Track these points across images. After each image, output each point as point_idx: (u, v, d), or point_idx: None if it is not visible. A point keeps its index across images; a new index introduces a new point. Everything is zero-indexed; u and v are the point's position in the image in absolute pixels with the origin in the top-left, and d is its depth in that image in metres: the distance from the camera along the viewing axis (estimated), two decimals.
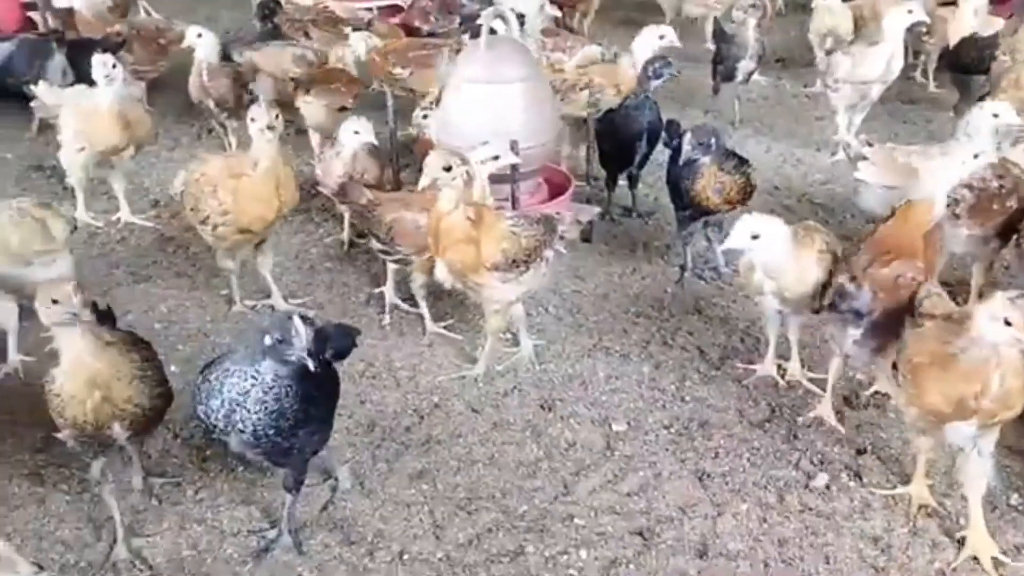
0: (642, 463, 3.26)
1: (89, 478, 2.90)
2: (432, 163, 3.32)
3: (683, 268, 4.29)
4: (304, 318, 2.54)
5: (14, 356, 3.67)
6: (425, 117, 4.77)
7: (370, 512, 3.06)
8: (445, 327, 4.00)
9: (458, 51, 5.46)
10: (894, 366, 2.84)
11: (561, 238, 3.60)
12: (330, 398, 2.86)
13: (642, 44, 4.71)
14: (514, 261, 3.41)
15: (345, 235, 4.71)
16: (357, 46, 5.44)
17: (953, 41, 5.64)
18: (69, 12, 6.07)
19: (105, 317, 2.99)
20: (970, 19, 5.62)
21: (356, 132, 4.27)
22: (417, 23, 7.22)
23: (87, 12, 6.05)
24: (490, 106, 3.83)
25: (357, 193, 3.75)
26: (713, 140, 3.92)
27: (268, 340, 2.50)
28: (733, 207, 4.00)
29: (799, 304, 3.36)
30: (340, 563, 2.88)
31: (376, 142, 4.39)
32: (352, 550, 2.92)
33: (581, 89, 4.62)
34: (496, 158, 3.40)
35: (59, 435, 2.79)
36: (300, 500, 2.95)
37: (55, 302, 2.57)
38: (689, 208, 4.05)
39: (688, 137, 3.92)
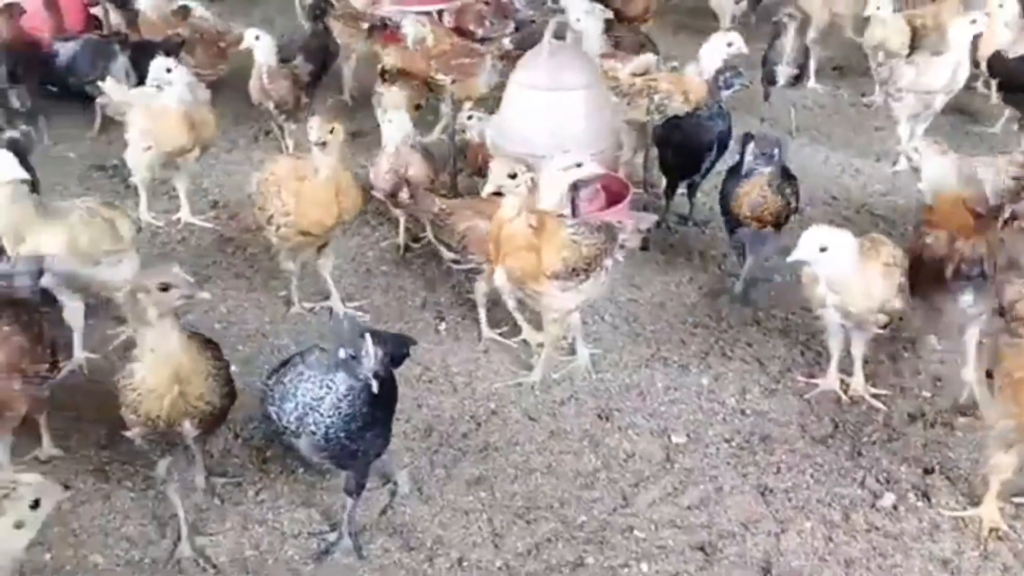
0: (703, 476, 3.22)
1: (155, 476, 2.94)
2: (497, 170, 3.31)
3: (747, 280, 4.23)
4: (374, 332, 2.57)
5: (80, 353, 3.73)
6: (470, 118, 4.78)
7: (429, 518, 3.07)
8: (500, 333, 3.98)
9: (502, 58, 5.50)
10: (988, 375, 2.78)
11: (621, 247, 3.58)
12: (391, 401, 2.87)
13: (710, 52, 4.65)
14: (574, 270, 3.39)
15: (401, 239, 4.73)
16: (408, 31, 5.45)
17: (985, 55, 5.52)
18: (135, 13, 6.17)
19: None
20: (1002, 32, 5.49)
21: (389, 121, 4.27)
22: (471, 27, 7.24)
23: (152, 14, 6.14)
24: (550, 113, 3.81)
25: (428, 201, 3.75)
26: (776, 151, 3.86)
27: (342, 354, 2.52)
28: (763, 226, 3.94)
29: (863, 319, 3.29)
30: (400, 568, 2.88)
31: (420, 139, 4.40)
32: (412, 556, 2.92)
33: (647, 95, 4.58)
34: (579, 165, 3.35)
35: (127, 433, 2.83)
36: (360, 504, 2.96)
37: (164, 288, 2.57)
38: (726, 215, 4.01)
39: (751, 147, 3.87)
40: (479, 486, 3.20)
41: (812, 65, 6.69)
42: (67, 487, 2.19)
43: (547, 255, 3.34)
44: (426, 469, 3.27)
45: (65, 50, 5.75)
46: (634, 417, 3.51)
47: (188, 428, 2.75)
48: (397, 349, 2.99)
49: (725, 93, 4.09)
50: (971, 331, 3.38)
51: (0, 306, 2.96)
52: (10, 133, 4.46)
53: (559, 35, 3.90)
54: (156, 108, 4.57)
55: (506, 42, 5.82)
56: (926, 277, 3.31)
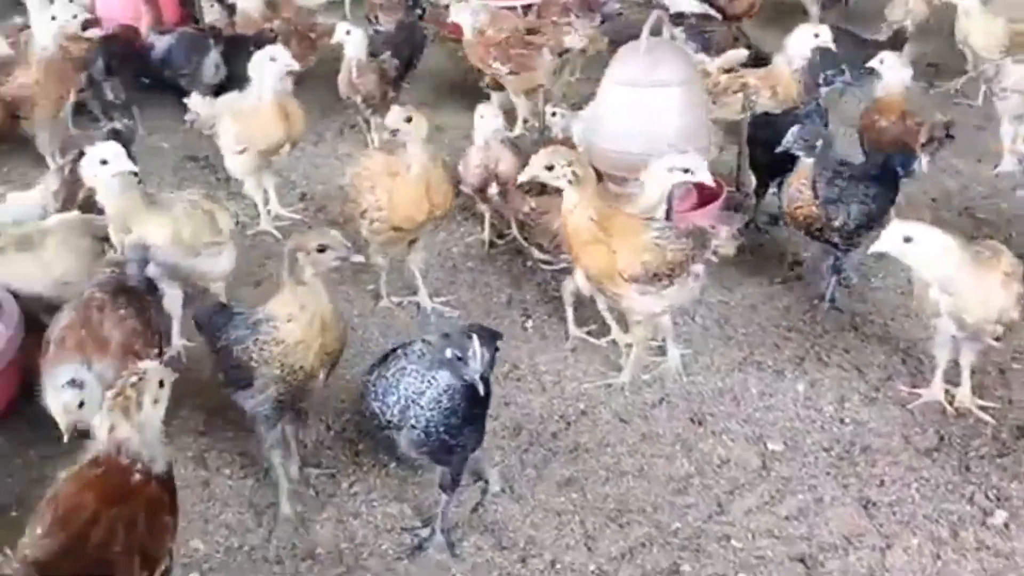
0: (801, 486, 3.13)
1: (265, 445, 3.02)
2: (535, 160, 3.26)
3: (841, 278, 4.10)
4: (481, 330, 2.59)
5: (178, 341, 3.82)
6: (554, 114, 4.74)
7: (520, 518, 3.05)
8: (588, 332, 3.94)
9: (562, 55, 5.42)
10: None
11: (714, 253, 3.49)
12: (487, 398, 2.86)
13: (797, 43, 4.53)
14: (656, 275, 3.30)
15: (486, 235, 4.72)
16: (464, 20, 5.44)
17: None
18: (232, 8, 6.29)
19: None
20: None
21: (482, 116, 4.25)
22: (556, 19, 7.19)
23: (251, 11, 6.25)
24: (645, 109, 3.75)
25: (519, 200, 3.72)
26: (819, 143, 3.71)
27: (448, 354, 2.52)
28: (796, 226, 3.82)
29: (979, 330, 3.15)
30: (493, 568, 2.87)
31: (509, 132, 4.37)
32: (504, 555, 2.91)
33: (735, 92, 4.48)
34: (687, 171, 3.26)
35: (250, 399, 2.91)
36: (452, 501, 2.96)
37: (322, 250, 2.82)
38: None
39: (794, 129, 3.73)
40: (570, 487, 3.16)
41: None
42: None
43: (625, 257, 3.26)
44: (516, 468, 3.25)
45: (160, 43, 5.89)
46: (728, 422, 3.44)
47: (321, 379, 2.93)
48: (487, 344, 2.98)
49: (824, 90, 3.96)
50: None
51: (114, 292, 3.06)
52: (112, 125, 4.60)
53: (656, 31, 3.81)
54: (248, 109, 4.61)
55: (571, 38, 5.71)
56: None
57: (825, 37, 4.64)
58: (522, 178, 3.25)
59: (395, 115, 3.75)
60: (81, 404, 2.72)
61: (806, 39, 4.52)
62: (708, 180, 3.37)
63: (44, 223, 3.60)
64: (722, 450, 3.31)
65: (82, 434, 2.69)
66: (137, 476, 2.24)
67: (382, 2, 6.83)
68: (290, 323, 2.84)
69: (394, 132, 3.75)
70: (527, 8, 7.22)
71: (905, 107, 4.38)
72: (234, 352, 2.88)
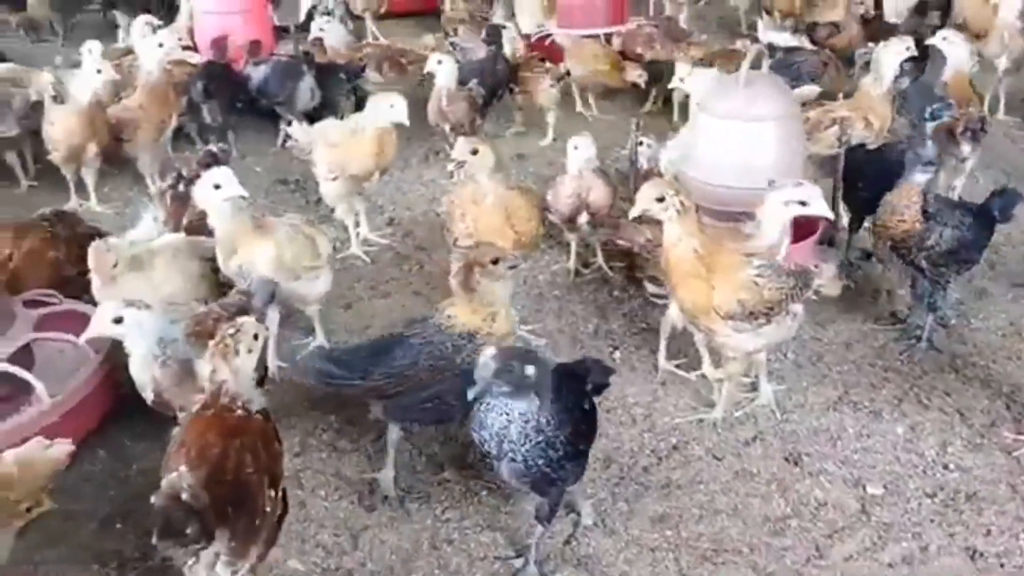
0: (904, 533, 3.04)
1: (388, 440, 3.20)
2: (645, 193, 3.25)
3: (938, 316, 3.99)
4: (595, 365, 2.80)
5: (272, 362, 3.90)
6: (640, 144, 4.73)
7: (614, 553, 3.02)
8: (678, 366, 3.91)
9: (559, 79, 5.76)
10: None
11: (816, 293, 3.42)
12: (591, 432, 2.85)
13: (885, 59, 4.44)
14: (752, 312, 3.25)
15: (572, 263, 4.73)
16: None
17: None
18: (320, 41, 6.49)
19: None
20: None
21: (576, 148, 4.27)
22: (639, 50, 7.23)
23: (338, 43, 6.46)
24: (743, 142, 3.72)
25: (631, 231, 3.70)
26: (934, 158, 3.64)
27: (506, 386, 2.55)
28: (885, 239, 3.75)
29: None
30: None
31: (598, 163, 4.39)
32: None
33: (827, 127, 4.42)
34: (803, 204, 3.23)
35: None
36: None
37: (495, 262, 3.12)
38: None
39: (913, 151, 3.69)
40: (664, 524, 3.13)
41: (1002, 96, 6.34)
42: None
43: (721, 293, 3.22)
44: (608, 501, 3.22)
45: (257, 74, 6.08)
46: (825, 463, 3.36)
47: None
48: (599, 377, 2.96)
49: (930, 125, 3.88)
50: None
51: (234, 313, 3.18)
52: (210, 148, 4.74)
53: (755, 64, 3.79)
54: (342, 136, 4.72)
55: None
56: None
57: (913, 48, 4.55)
58: (634, 212, 3.25)
59: (461, 147, 3.85)
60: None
61: (897, 52, 4.43)
62: (826, 212, 3.30)
63: (153, 244, 3.73)
64: (819, 492, 3.24)
65: None
66: (240, 412, 2.55)
67: (462, 16, 6.97)
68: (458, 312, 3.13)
69: (460, 164, 3.85)
70: (609, 37, 7.29)
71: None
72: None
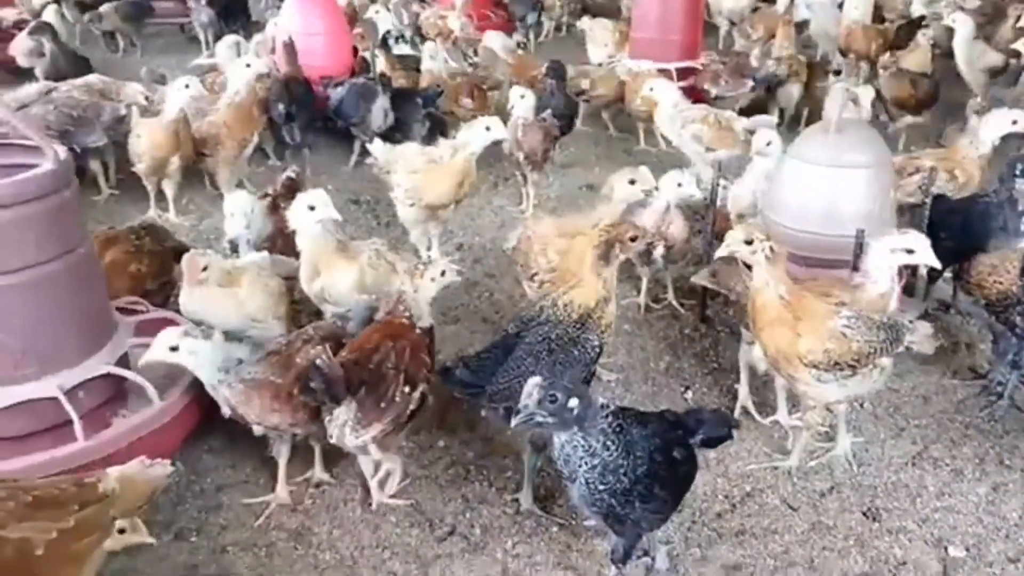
0: None
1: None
2: (734, 235, 3.23)
3: (1022, 373, 3.88)
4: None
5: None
6: (719, 184, 4.70)
7: None
8: (755, 404, 3.85)
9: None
10: None
11: (908, 349, 3.35)
12: (683, 482, 2.81)
13: (991, 127, 4.38)
14: (837, 363, 3.20)
15: (642, 298, 4.72)
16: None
17: None
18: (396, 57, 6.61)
19: None
20: None
21: (680, 184, 4.25)
22: (707, 86, 7.23)
23: (436, 68, 6.60)
24: (831, 190, 3.68)
25: (729, 276, 3.66)
26: None
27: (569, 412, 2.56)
28: (982, 295, 3.69)
29: None
30: None
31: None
32: None
33: (910, 174, 4.36)
34: (910, 252, 3.19)
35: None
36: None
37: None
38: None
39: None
40: (737, 573, 3.08)
41: None
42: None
43: (808, 341, 3.17)
44: (680, 547, 3.18)
45: (335, 94, 6.21)
46: (904, 521, 3.29)
47: None
48: (715, 429, 2.88)
49: (1020, 183, 3.80)
50: None
51: (325, 336, 3.23)
52: (288, 173, 4.84)
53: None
54: (424, 164, 4.77)
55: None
56: None
57: (1022, 123, 4.48)
58: (721, 252, 3.24)
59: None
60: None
61: (1002, 124, 4.37)
62: (933, 261, 3.25)
63: (239, 261, 3.80)
64: (899, 550, 3.16)
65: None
66: (406, 322, 3.25)
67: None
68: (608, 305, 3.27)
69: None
70: (683, 72, 7.30)
71: None
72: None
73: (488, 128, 4.65)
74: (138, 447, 3.08)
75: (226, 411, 3.23)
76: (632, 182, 4.20)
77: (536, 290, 3.96)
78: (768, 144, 4.52)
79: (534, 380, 2.54)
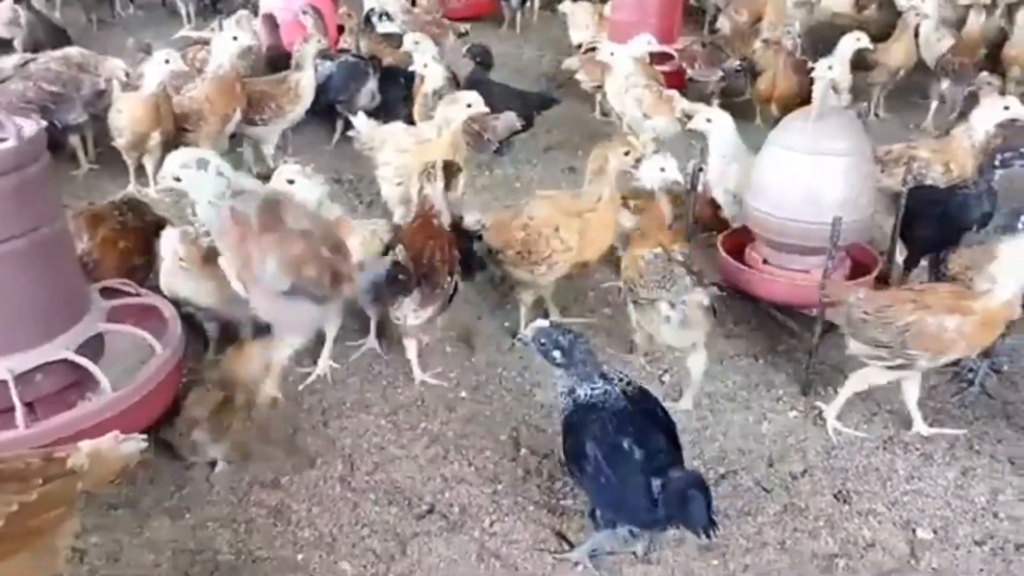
0: None
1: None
2: None
3: (992, 361, 3.96)
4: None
5: (325, 361, 3.95)
6: (700, 170, 4.72)
7: None
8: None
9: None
10: None
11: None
12: (621, 481, 2.81)
13: (984, 115, 4.41)
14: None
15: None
16: None
17: None
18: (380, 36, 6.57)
19: None
20: None
21: (662, 170, 4.24)
22: (684, 65, 7.30)
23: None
24: (811, 177, 3.73)
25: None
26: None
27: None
28: None
29: None
30: None
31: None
32: None
33: (904, 163, 4.39)
34: None
35: None
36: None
37: (626, 153, 4.02)
38: None
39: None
40: (711, 554, 3.13)
41: None
42: None
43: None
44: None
45: (323, 69, 6.14)
46: (874, 503, 3.36)
47: None
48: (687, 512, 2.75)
49: (998, 173, 3.86)
50: None
51: None
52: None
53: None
54: (413, 143, 4.77)
55: None
56: None
57: (1017, 110, 4.50)
58: None
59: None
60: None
61: (995, 111, 4.40)
62: None
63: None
64: (868, 532, 3.23)
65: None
66: (436, 222, 3.84)
67: None
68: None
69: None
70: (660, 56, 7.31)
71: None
72: None
73: (469, 105, 4.64)
74: (84, 438, 2.95)
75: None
76: (626, 153, 4.22)
77: (543, 273, 3.99)
78: (708, 121, 4.61)
79: (539, 322, 3.03)
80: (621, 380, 2.95)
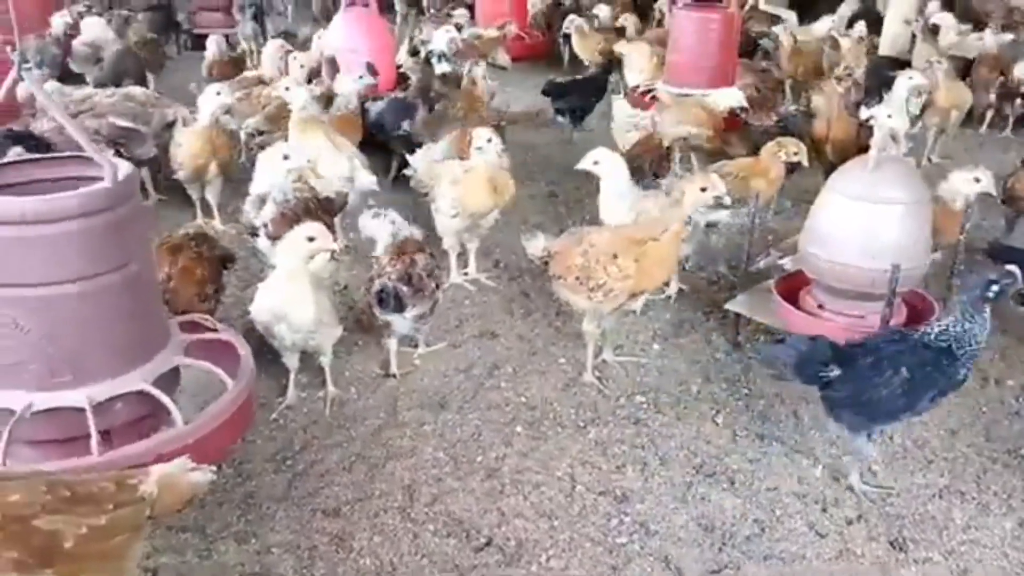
0: None
1: None
2: None
3: None
4: None
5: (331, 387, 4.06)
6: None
7: None
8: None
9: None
10: None
11: None
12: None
13: (953, 190, 4.50)
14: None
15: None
16: None
17: None
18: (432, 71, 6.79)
19: None
20: None
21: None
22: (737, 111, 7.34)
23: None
24: (868, 224, 3.77)
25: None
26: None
27: None
28: None
29: None
30: None
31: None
32: None
33: None
34: None
35: None
36: None
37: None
38: None
39: None
40: None
41: None
42: None
43: None
44: (710, 567, 3.27)
45: (375, 108, 6.37)
46: (930, 552, 3.35)
47: None
48: None
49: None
50: None
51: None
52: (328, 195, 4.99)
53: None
54: (461, 175, 4.93)
55: None
56: None
57: (987, 183, 4.50)
58: None
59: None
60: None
61: (965, 185, 4.47)
62: None
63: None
64: None
65: None
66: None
67: None
68: None
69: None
70: None
71: None
72: None
73: (490, 140, 4.91)
74: None
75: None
76: (703, 189, 4.24)
77: (600, 301, 4.04)
78: (595, 163, 4.81)
79: None
80: None
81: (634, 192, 4.79)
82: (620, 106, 6.98)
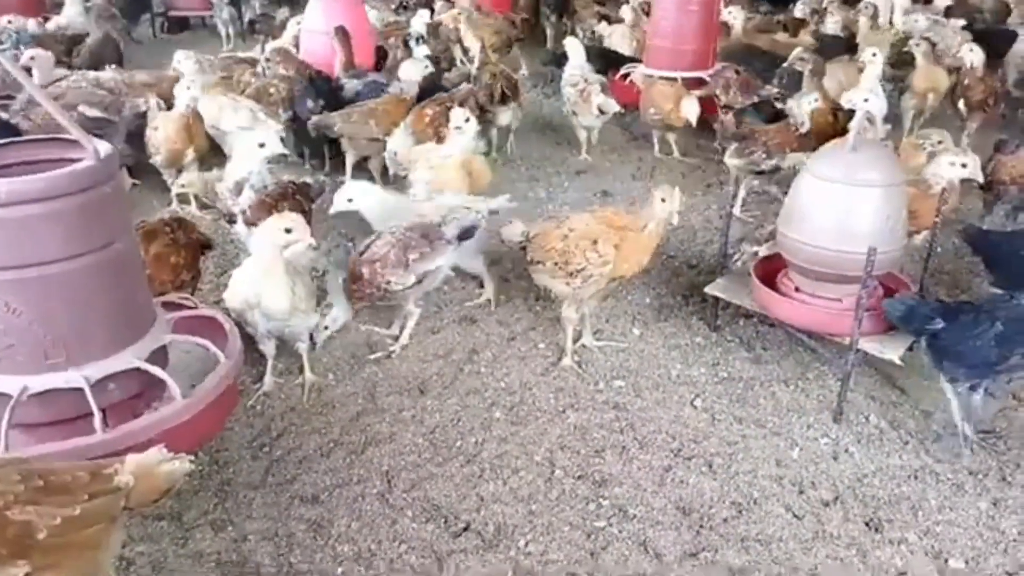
0: None
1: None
2: None
3: None
4: None
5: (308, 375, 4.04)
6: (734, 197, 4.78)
7: None
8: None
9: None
10: None
11: None
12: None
13: (937, 171, 4.48)
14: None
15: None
16: None
17: None
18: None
19: None
20: None
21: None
22: (718, 91, 7.35)
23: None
24: (845, 207, 3.77)
25: None
26: None
27: None
28: None
29: None
30: None
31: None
32: None
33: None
34: None
35: None
36: None
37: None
38: None
39: None
40: None
41: None
42: None
43: None
44: (690, 548, 3.28)
45: (351, 85, 6.32)
46: (905, 532, 3.38)
47: None
48: None
49: None
50: None
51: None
52: (307, 180, 4.97)
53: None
54: (437, 160, 4.92)
55: None
56: None
57: (973, 168, 4.53)
58: None
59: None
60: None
61: (950, 170, 4.50)
62: None
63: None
64: (899, 561, 3.26)
65: None
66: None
67: None
68: None
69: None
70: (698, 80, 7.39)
71: None
72: None
73: (467, 120, 5.03)
74: (157, 443, 3.05)
75: None
76: (662, 200, 4.25)
77: (579, 286, 4.04)
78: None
79: None
80: None
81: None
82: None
